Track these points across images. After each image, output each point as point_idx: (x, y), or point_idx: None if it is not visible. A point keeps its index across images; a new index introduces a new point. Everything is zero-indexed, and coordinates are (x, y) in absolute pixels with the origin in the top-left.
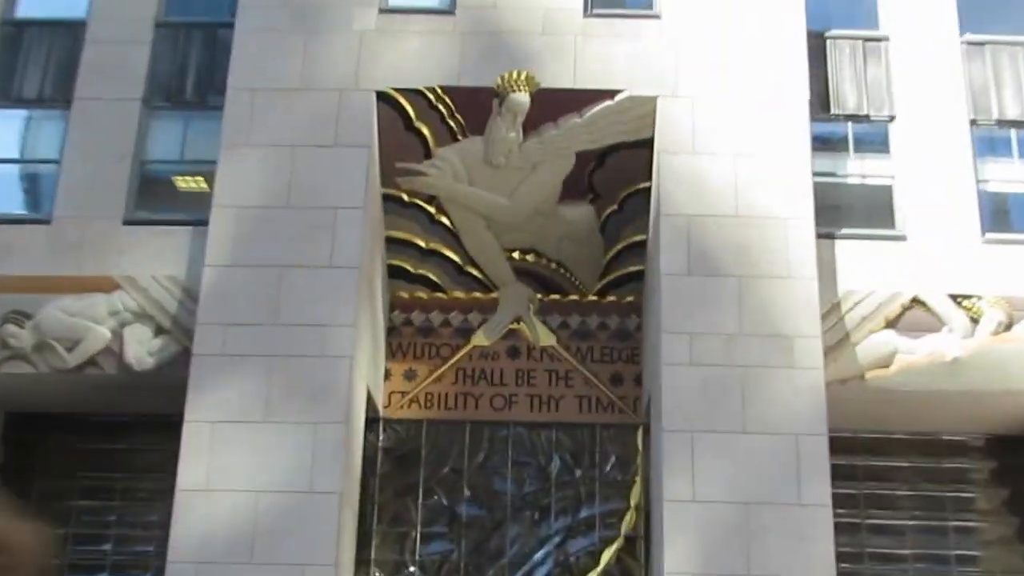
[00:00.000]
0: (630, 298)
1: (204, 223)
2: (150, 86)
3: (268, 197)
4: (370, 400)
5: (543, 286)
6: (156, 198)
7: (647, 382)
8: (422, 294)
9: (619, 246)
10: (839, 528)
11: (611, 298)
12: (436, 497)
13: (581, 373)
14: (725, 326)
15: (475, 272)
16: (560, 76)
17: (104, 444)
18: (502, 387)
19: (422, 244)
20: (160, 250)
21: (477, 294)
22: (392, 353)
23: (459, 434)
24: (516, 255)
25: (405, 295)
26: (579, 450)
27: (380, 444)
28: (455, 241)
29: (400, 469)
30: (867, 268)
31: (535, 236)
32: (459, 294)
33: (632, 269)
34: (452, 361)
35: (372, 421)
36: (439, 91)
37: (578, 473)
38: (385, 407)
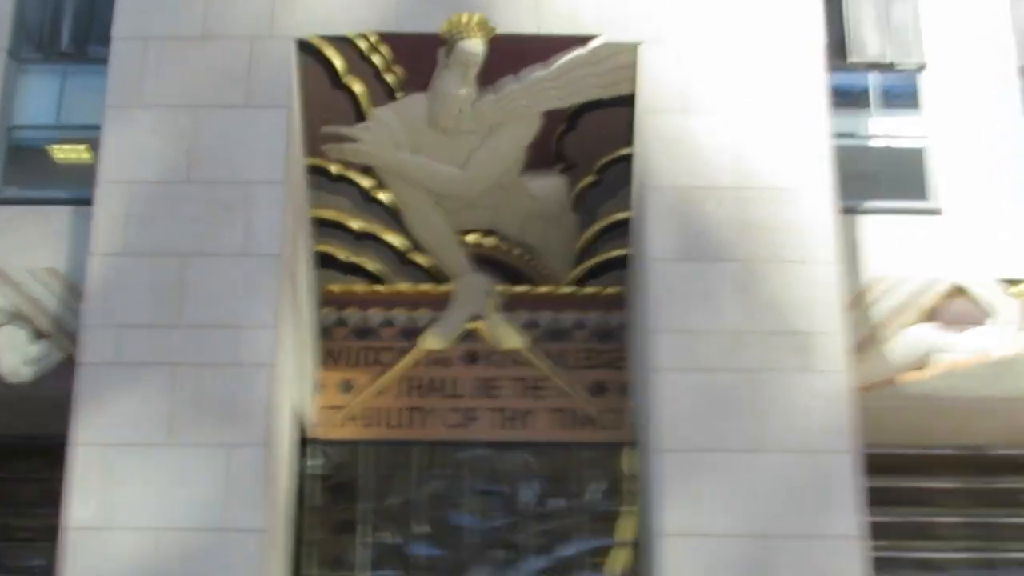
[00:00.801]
0: (613, 289)
1: (88, 202)
2: (17, 34)
3: (166, 170)
4: (298, 418)
5: (506, 276)
6: (28, 172)
7: (635, 392)
8: (358, 287)
9: (598, 226)
10: (872, 564)
11: (590, 290)
12: (383, 535)
13: (555, 382)
14: (728, 322)
15: (422, 260)
16: (521, 19)
17: None
18: (459, 400)
19: (356, 226)
20: (35, 236)
21: (425, 287)
22: (323, 360)
23: (408, 458)
24: (472, 238)
25: (337, 289)
26: (556, 475)
27: (311, 471)
28: (396, 222)
29: (337, 501)
30: (898, 249)
31: (495, 215)
32: (403, 287)
33: (614, 254)
34: (397, 369)
35: (300, 443)
36: (373, 39)
37: (555, 503)
38: (316, 426)
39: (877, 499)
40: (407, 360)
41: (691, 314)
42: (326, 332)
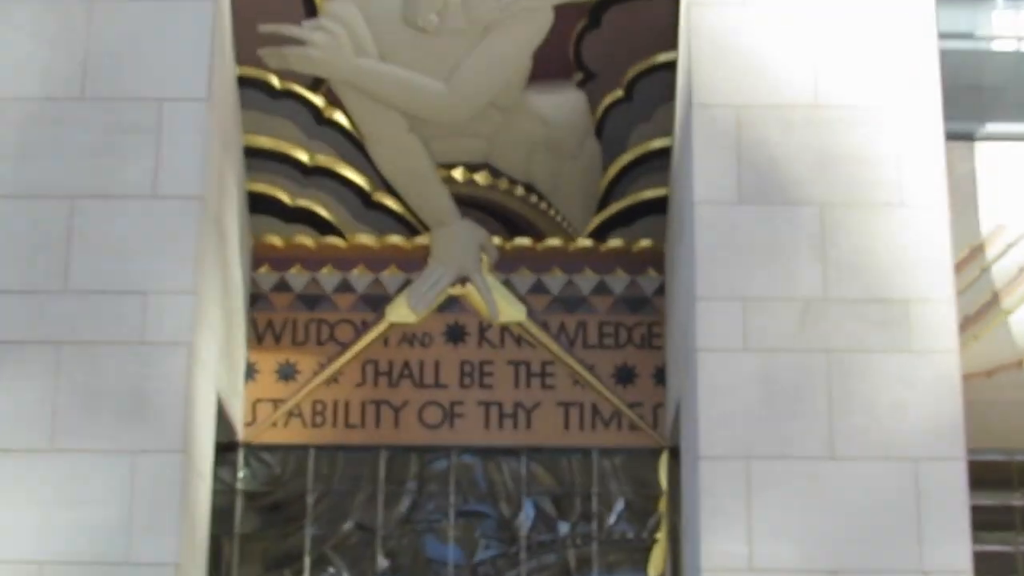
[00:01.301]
0: (646, 243)
1: None
2: None
3: (50, 84)
4: (223, 414)
5: (504, 225)
6: None
7: (674, 379)
8: (305, 240)
9: (627, 158)
10: None
11: (615, 244)
12: (337, 571)
13: (567, 367)
14: (799, 286)
15: (391, 204)
16: None
17: None
18: (438, 391)
19: (304, 159)
20: None
21: (395, 240)
22: (258, 337)
23: (371, 468)
24: (459, 175)
25: (278, 242)
26: (567, 492)
27: (241, 486)
28: (358, 154)
29: (273, 525)
30: None
31: (490, 144)
32: (366, 240)
33: (648, 195)
34: (356, 349)
35: (226, 448)
36: None
37: (564, 529)
38: (247, 425)
39: (992, 522)
40: (370, 337)
41: (749, 276)
42: (263, 300)
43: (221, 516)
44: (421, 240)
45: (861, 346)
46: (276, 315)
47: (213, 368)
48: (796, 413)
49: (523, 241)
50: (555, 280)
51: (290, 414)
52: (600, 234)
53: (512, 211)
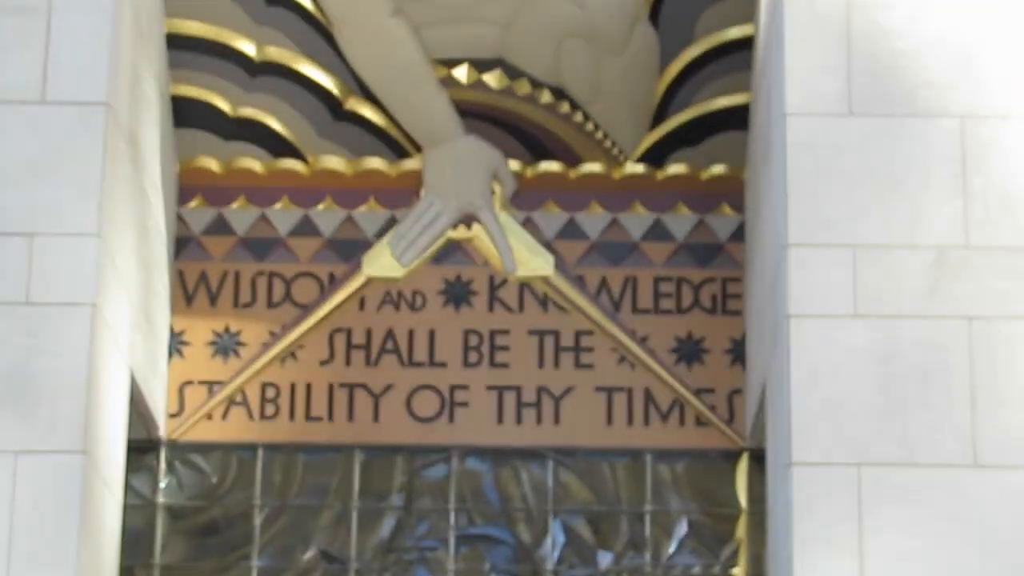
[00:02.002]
0: (719, 169)
1: None
2: None
3: None
4: (138, 402)
5: (525, 145)
6: None
7: (758, 357)
8: (252, 164)
9: (692, 53)
10: None
11: (676, 170)
12: None
13: (610, 338)
14: (930, 229)
15: (370, 114)
16: None
17: None
18: (434, 371)
19: (251, 51)
20: None
21: (375, 163)
22: (187, 297)
23: (340, 475)
24: (463, 75)
25: (214, 167)
26: (608, 511)
27: (164, 500)
28: (325, 44)
29: (208, 554)
30: None
31: (505, 33)
32: (335, 164)
33: (722, 105)
34: (321, 314)
35: (143, 448)
36: None
37: (606, 561)
38: (172, 416)
39: None
40: (340, 297)
41: (861, 215)
42: (193, 245)
43: (136, 540)
44: (410, 164)
45: (1015, 312)
46: (212, 266)
47: (125, 338)
48: (925, 404)
49: (550, 166)
50: (594, 220)
51: (231, 402)
52: (656, 157)
53: (535, 125)
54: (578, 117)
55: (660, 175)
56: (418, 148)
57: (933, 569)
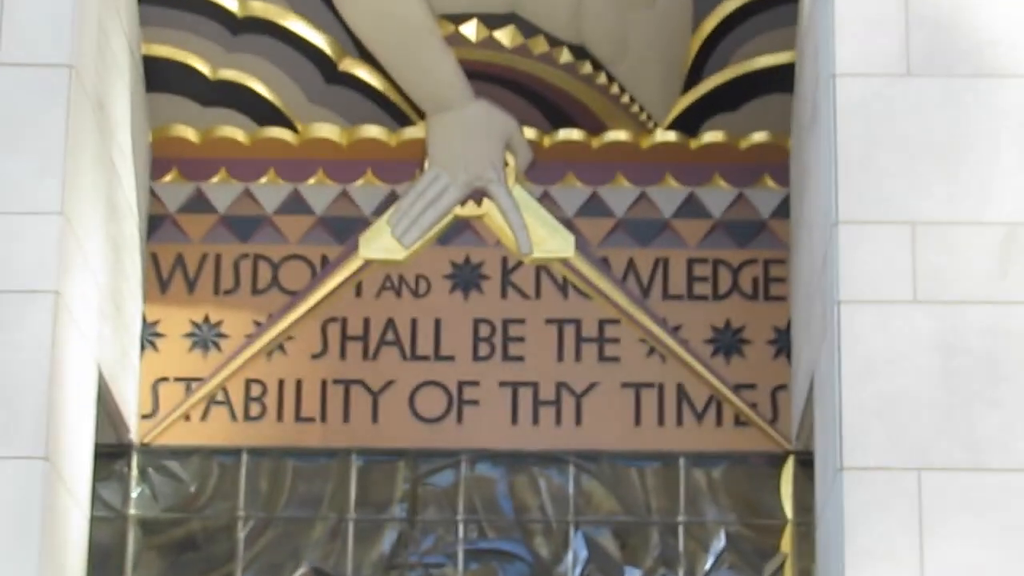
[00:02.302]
0: (761, 138)
1: None
2: None
3: None
4: (107, 401)
5: (542, 110)
6: None
7: (805, 348)
8: (234, 133)
9: (731, 6)
10: None
11: (712, 138)
12: None
13: (639, 327)
14: (1001, 204)
15: (366, 76)
16: None
17: None
18: (440, 365)
19: (233, 6)
20: None
21: (373, 132)
22: (161, 283)
23: (334, 483)
24: (472, 32)
25: (192, 136)
26: (637, 522)
27: (135, 511)
28: None
29: (182, 571)
30: None
31: None
32: (328, 132)
33: (764, 64)
34: (313, 302)
35: (113, 454)
36: None
37: None
38: (145, 417)
39: None
40: (335, 283)
41: (922, 188)
42: (168, 225)
43: (105, 557)
44: (413, 132)
45: None
46: (189, 248)
47: (91, 330)
48: (994, 400)
49: (571, 134)
50: (620, 194)
51: (211, 401)
52: (689, 124)
53: (553, 88)
54: (601, 79)
55: (694, 144)
56: (421, 115)
57: None
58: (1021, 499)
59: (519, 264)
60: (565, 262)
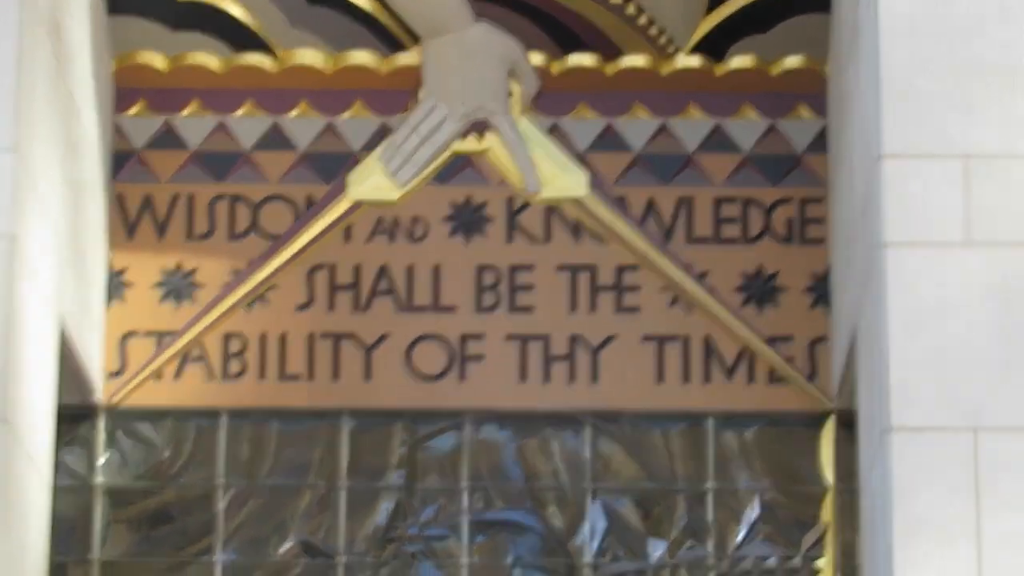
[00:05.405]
0: (795, 61)
1: None
2: None
3: None
4: (69, 358)
5: (549, 32)
6: None
7: (846, 297)
8: (207, 59)
9: None
10: None
11: (741, 63)
12: None
13: (661, 275)
14: None
15: None
16: None
17: None
18: (440, 317)
19: None
20: None
21: (361, 57)
22: (128, 227)
23: (323, 448)
24: None
25: (159, 63)
26: (661, 489)
27: (103, 482)
28: None
29: (158, 547)
30: None
31: None
32: (311, 58)
33: None
34: (297, 247)
35: (77, 416)
36: None
37: (658, 552)
38: (112, 375)
39: None
40: (321, 226)
41: (974, 116)
42: (134, 162)
43: (70, 530)
44: (406, 59)
45: None
46: (158, 189)
47: (50, 280)
48: None
49: (583, 59)
50: (638, 127)
51: (185, 357)
52: (715, 48)
53: (563, 9)
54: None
55: (720, 70)
56: (415, 39)
57: None
58: None
59: (526, 205)
60: (577, 202)
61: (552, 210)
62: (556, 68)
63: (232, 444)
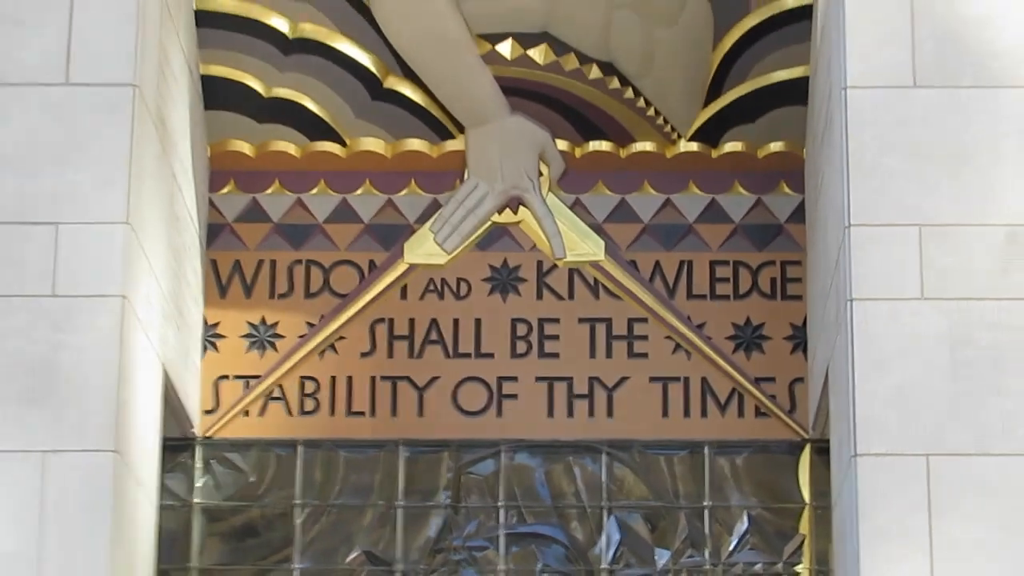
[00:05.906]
0: (777, 147)
1: None
2: None
3: None
4: (171, 398)
5: (573, 123)
6: None
7: (820, 344)
8: (287, 147)
9: (749, 23)
10: None
11: (733, 148)
12: None
13: (665, 325)
14: (1003, 206)
15: (410, 92)
16: None
17: None
18: (480, 363)
19: (284, 28)
20: None
21: (416, 144)
22: (221, 287)
23: (383, 473)
24: (507, 50)
25: (247, 150)
26: (665, 507)
27: (200, 502)
28: (362, 19)
29: (246, 556)
30: None
31: (549, 2)
32: (374, 145)
33: (780, 78)
34: (361, 304)
35: (178, 447)
36: None
37: (664, 559)
38: (207, 413)
39: None
40: (381, 286)
41: (928, 192)
42: (226, 233)
43: (171, 543)
44: (453, 145)
45: None
46: (246, 255)
47: (156, 331)
48: (999, 390)
49: (600, 146)
50: (647, 201)
51: (268, 397)
52: (711, 135)
53: (584, 102)
54: (628, 93)
55: (715, 153)
56: (461, 128)
57: (1008, 565)
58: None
59: (553, 267)
60: (596, 265)
61: (575, 271)
62: (578, 152)
63: (307, 470)
